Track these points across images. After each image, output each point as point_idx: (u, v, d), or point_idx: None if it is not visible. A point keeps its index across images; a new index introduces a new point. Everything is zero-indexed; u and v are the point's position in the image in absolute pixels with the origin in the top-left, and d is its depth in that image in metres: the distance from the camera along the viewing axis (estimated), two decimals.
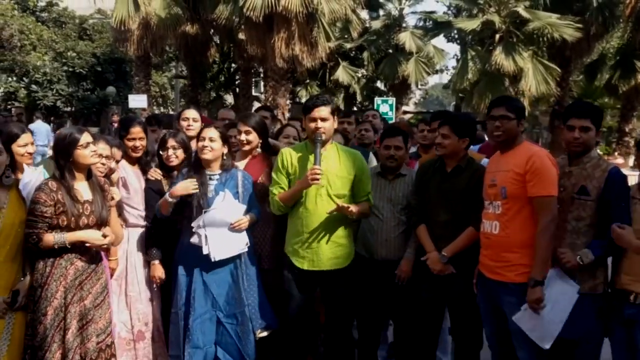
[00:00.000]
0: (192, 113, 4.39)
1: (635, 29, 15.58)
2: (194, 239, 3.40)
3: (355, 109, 22.36)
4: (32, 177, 3.38)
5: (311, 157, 3.27)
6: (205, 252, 3.37)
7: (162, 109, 27.39)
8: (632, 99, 17.35)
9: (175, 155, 3.74)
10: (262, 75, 19.08)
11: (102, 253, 3.33)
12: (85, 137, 3.07)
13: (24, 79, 22.37)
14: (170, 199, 3.41)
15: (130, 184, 3.72)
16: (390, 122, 9.08)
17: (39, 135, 11.06)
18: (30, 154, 3.39)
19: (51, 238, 2.95)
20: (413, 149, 4.64)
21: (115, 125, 12.68)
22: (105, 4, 19.77)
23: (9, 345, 2.93)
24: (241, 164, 3.79)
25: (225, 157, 3.56)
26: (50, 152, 3.83)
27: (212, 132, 3.51)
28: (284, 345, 3.55)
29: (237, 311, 3.46)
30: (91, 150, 3.09)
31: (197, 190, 3.40)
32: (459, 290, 3.40)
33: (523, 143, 3.16)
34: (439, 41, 34.48)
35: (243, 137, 3.72)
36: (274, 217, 3.62)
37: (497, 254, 3.08)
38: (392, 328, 4.16)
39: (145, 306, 3.71)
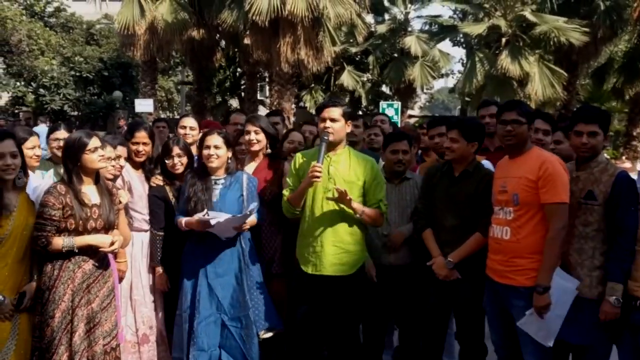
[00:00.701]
0: (189, 122, 4.49)
1: None
2: (198, 215, 3.44)
3: (360, 113, 22.36)
4: (42, 181, 3.41)
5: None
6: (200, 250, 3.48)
7: (168, 114, 27.48)
8: (639, 103, 17.24)
9: (181, 163, 3.77)
10: (267, 79, 19.10)
11: (110, 256, 3.34)
12: (94, 142, 3.11)
13: (32, 83, 22.50)
14: (184, 227, 3.50)
15: (135, 188, 3.74)
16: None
17: (42, 139, 11.09)
18: (38, 156, 3.48)
19: (60, 242, 2.97)
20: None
21: (124, 128, 12.77)
22: (112, 9, 19.88)
23: (16, 346, 2.95)
24: (250, 168, 3.82)
25: (230, 161, 3.58)
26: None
27: (216, 140, 3.53)
28: (289, 349, 3.54)
29: (241, 314, 3.47)
30: (99, 154, 3.11)
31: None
32: (466, 295, 3.39)
33: (533, 148, 3.14)
34: (445, 45, 34.51)
35: (253, 136, 3.76)
36: (285, 222, 3.63)
37: (508, 259, 3.06)
38: (397, 332, 4.14)
39: (150, 309, 3.74)
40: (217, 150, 3.51)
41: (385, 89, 24.05)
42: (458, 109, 27.41)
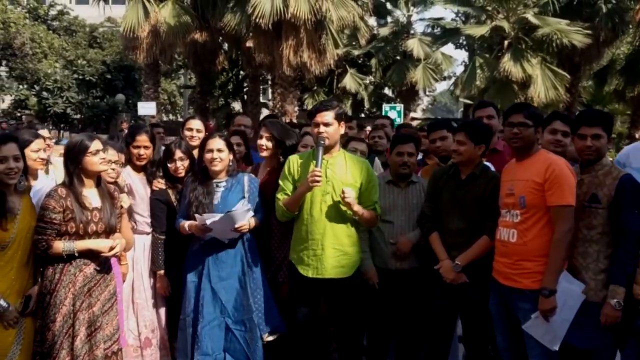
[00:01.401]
0: (196, 124, 4.42)
1: None
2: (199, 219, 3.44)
3: (362, 115, 22.38)
4: (44, 184, 3.42)
5: (313, 163, 3.26)
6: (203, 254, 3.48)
7: (170, 116, 27.53)
8: None
9: (183, 166, 3.76)
10: (270, 82, 19.12)
11: (114, 259, 3.33)
12: (95, 145, 3.09)
13: (35, 86, 22.57)
14: (187, 230, 3.50)
15: (136, 191, 3.74)
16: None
17: None
18: (43, 159, 3.43)
19: (60, 245, 2.96)
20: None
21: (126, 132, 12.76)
22: (115, 12, 19.94)
23: (20, 350, 2.94)
24: (262, 172, 3.85)
25: (231, 163, 3.59)
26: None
27: (218, 143, 3.53)
28: (293, 354, 3.53)
29: (245, 317, 3.46)
30: (100, 157, 3.10)
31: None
32: (473, 298, 3.37)
33: (540, 151, 3.12)
34: (447, 48, 34.44)
35: (263, 142, 3.77)
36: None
37: (515, 262, 3.04)
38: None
39: (152, 313, 3.73)
40: (220, 154, 3.51)
41: (387, 91, 24.06)
42: (460, 112, 27.38)
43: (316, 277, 3.32)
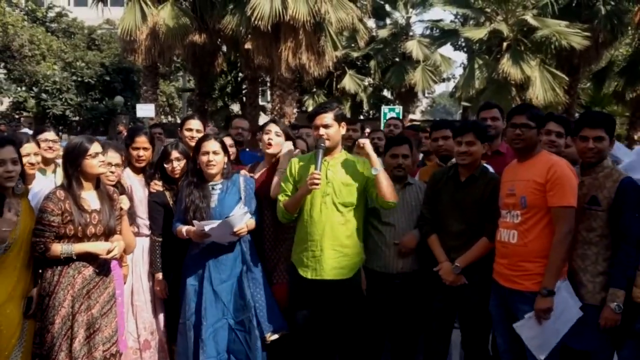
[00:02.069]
0: (196, 124, 4.38)
1: None
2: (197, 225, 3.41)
3: (362, 117, 22.38)
4: (43, 185, 3.41)
5: (313, 165, 3.25)
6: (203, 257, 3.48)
7: (169, 118, 27.52)
8: None
9: (180, 167, 3.75)
10: (269, 84, 19.12)
11: (114, 261, 3.33)
12: (95, 147, 3.10)
13: (34, 88, 22.55)
14: (184, 235, 3.48)
15: (135, 193, 3.73)
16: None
17: None
18: (32, 164, 3.37)
19: (58, 248, 2.95)
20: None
21: (124, 134, 12.74)
22: (114, 14, 19.93)
23: (22, 353, 2.94)
24: (259, 171, 3.81)
25: (226, 165, 3.57)
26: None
27: (214, 145, 3.51)
28: (294, 356, 3.51)
29: (244, 317, 3.46)
30: (99, 160, 3.10)
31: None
32: (472, 300, 3.36)
33: (542, 152, 3.11)
34: (446, 49, 34.51)
35: (272, 136, 3.73)
36: (289, 231, 3.62)
37: (515, 263, 3.04)
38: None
39: (151, 315, 3.72)
40: (216, 156, 3.49)
41: (386, 93, 24.08)
42: (459, 114, 27.41)
43: (315, 278, 3.31)
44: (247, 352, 3.44)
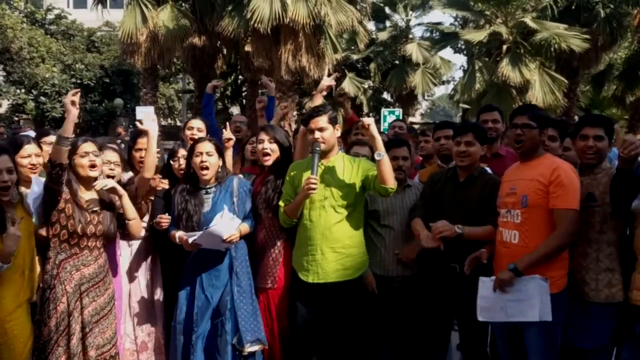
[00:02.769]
0: (197, 123, 4.39)
1: None
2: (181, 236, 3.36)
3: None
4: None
5: (310, 170, 3.24)
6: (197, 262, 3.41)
7: (169, 121, 27.51)
8: (639, 110, 17.25)
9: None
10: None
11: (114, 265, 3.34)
12: (85, 147, 3.12)
13: (33, 91, 22.52)
14: (177, 241, 3.41)
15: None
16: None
17: None
18: (34, 165, 3.33)
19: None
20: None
21: (123, 137, 12.75)
22: (113, 16, 19.93)
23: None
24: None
25: (220, 169, 3.50)
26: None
27: (208, 146, 3.44)
28: (296, 357, 3.49)
29: (217, 321, 3.38)
30: (89, 160, 3.10)
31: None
32: (470, 302, 3.34)
33: (546, 155, 3.09)
34: (446, 52, 34.59)
35: (266, 145, 3.61)
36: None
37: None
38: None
39: (148, 316, 3.69)
40: (210, 158, 3.41)
41: (386, 95, 24.08)
42: (459, 116, 27.42)
43: (317, 282, 3.29)
44: (216, 355, 3.37)
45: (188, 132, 4.28)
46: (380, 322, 3.61)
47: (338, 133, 3.40)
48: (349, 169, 3.36)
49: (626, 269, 2.98)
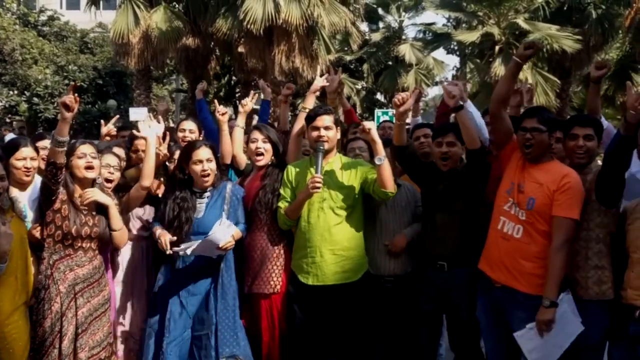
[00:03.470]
0: (189, 124, 4.38)
1: (635, 39, 15.60)
2: (175, 250, 3.26)
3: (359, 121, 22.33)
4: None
5: (313, 169, 3.22)
6: (177, 266, 3.33)
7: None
8: None
9: None
10: (262, 94, 19.08)
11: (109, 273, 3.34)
12: (83, 149, 3.11)
13: (25, 92, 22.40)
14: (156, 237, 3.32)
15: None
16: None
17: None
18: (28, 168, 3.25)
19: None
20: None
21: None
22: (106, 18, 19.87)
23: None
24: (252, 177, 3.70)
25: (216, 172, 3.46)
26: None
27: (207, 153, 3.39)
28: (293, 357, 3.47)
29: (202, 333, 3.33)
30: (86, 161, 3.09)
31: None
32: (459, 302, 3.37)
33: (554, 161, 3.07)
34: (439, 53, 34.63)
35: (260, 144, 3.58)
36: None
37: (514, 258, 3.00)
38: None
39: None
40: (210, 164, 3.37)
41: (380, 96, 24.10)
42: (452, 117, 27.44)
43: (317, 284, 3.27)
44: None
45: (180, 134, 4.27)
46: (374, 322, 3.61)
47: (338, 135, 3.40)
48: (348, 170, 3.35)
49: (620, 267, 2.99)
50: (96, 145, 3.31)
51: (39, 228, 3.11)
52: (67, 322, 3.00)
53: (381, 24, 22.04)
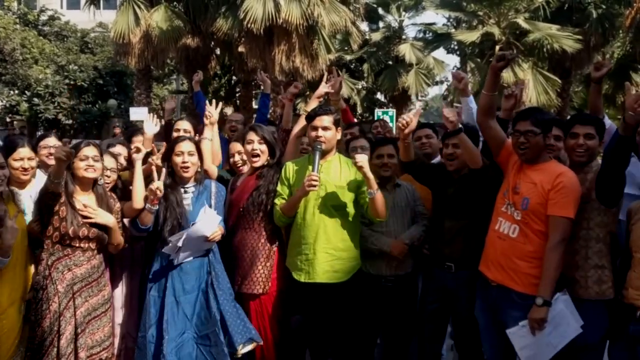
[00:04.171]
0: (184, 124, 4.40)
1: (635, 39, 15.61)
2: (166, 249, 3.26)
3: (355, 120, 22.35)
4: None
5: (310, 167, 3.23)
6: (175, 262, 3.30)
7: (162, 122, 27.40)
8: None
9: None
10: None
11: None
12: (86, 150, 3.12)
13: (26, 92, 22.41)
14: (152, 208, 3.29)
15: None
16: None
17: None
18: (26, 169, 3.26)
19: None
20: None
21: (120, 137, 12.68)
22: (107, 17, 19.89)
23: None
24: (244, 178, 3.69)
25: (199, 170, 3.46)
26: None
27: (189, 146, 3.40)
28: (291, 357, 3.49)
29: (209, 331, 3.30)
30: (87, 164, 3.10)
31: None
32: (465, 302, 3.36)
33: (551, 161, 3.07)
34: (439, 52, 34.67)
35: (256, 146, 3.56)
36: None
37: (509, 258, 3.01)
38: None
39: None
40: (191, 158, 3.37)
41: (380, 96, 24.09)
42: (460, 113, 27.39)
43: (308, 281, 3.29)
44: None
45: (175, 134, 4.28)
46: (373, 321, 3.61)
47: (339, 136, 3.40)
48: (346, 171, 3.36)
49: (622, 267, 2.99)
50: (99, 146, 3.30)
51: (38, 222, 3.11)
52: (65, 321, 3.00)
53: (381, 24, 22.00)
